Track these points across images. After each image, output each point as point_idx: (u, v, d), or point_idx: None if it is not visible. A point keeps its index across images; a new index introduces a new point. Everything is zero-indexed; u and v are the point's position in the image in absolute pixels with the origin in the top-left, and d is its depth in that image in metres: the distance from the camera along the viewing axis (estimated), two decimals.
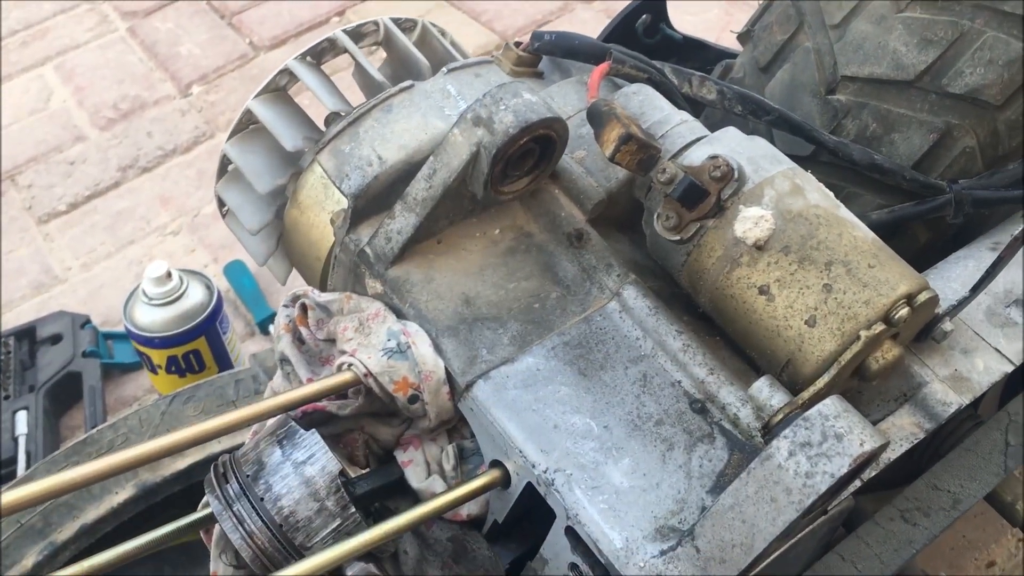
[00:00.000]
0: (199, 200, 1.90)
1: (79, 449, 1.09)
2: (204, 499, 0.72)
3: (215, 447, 1.10)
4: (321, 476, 0.61)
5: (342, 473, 0.63)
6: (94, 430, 1.09)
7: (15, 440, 1.43)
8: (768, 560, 0.63)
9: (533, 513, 0.67)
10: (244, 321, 1.66)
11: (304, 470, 0.61)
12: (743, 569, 0.57)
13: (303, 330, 0.73)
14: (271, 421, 0.66)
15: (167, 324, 1.28)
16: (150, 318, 1.29)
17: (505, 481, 0.66)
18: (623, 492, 0.63)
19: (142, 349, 1.32)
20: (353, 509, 0.61)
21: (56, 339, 1.59)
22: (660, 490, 0.63)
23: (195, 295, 1.30)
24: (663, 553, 0.60)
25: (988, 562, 1.26)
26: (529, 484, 0.64)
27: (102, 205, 1.92)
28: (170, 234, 1.84)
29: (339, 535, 0.61)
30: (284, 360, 0.73)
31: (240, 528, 0.60)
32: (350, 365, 0.67)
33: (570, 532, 0.63)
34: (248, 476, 0.61)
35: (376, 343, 0.67)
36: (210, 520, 0.69)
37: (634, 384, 0.68)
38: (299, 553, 0.60)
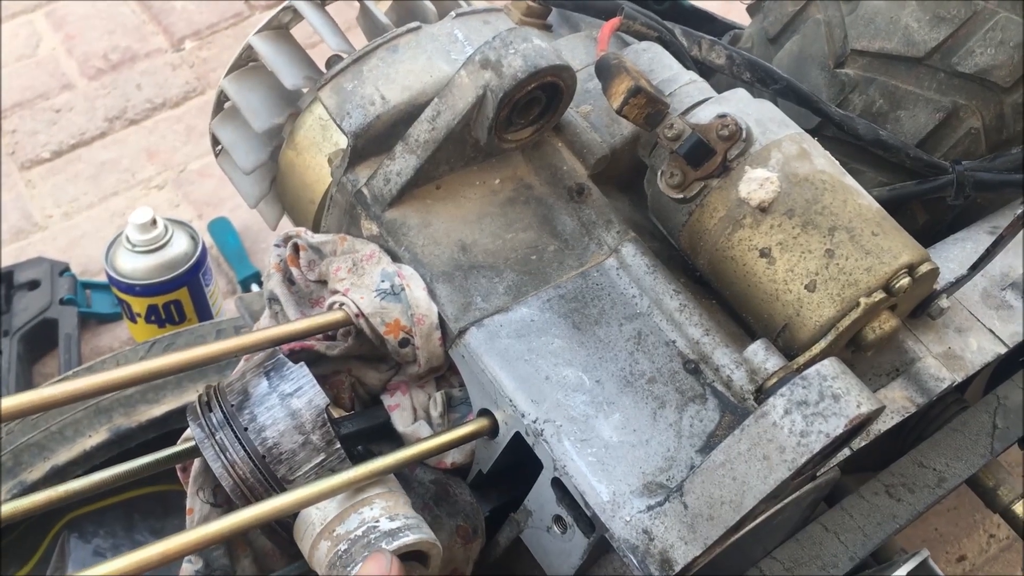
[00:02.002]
0: (186, 155, 1.87)
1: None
2: (185, 433, 0.70)
3: (193, 396, 1.09)
4: (308, 409, 0.59)
5: (327, 412, 0.62)
6: (70, 372, 1.07)
7: None
8: (754, 522, 0.63)
9: (518, 465, 0.66)
10: (227, 279, 1.64)
11: (291, 402, 0.59)
12: (731, 527, 0.57)
13: (294, 270, 0.72)
14: (258, 354, 0.64)
15: (149, 272, 1.26)
16: (132, 265, 1.27)
17: (493, 430, 0.65)
18: (612, 446, 0.62)
19: (122, 296, 1.30)
20: (338, 445, 0.60)
21: (33, 285, 1.56)
22: (649, 447, 0.62)
23: (179, 245, 1.28)
24: (650, 508, 0.59)
25: (959, 556, 1.27)
26: (517, 434, 0.63)
27: (87, 155, 1.88)
28: (155, 188, 1.81)
29: (322, 470, 0.60)
30: (273, 299, 0.72)
31: (222, 457, 0.59)
32: (342, 305, 0.66)
33: (556, 484, 0.62)
34: (232, 405, 0.60)
35: (369, 284, 0.66)
36: (189, 455, 0.68)
37: (628, 341, 0.67)
38: (281, 486, 0.59)
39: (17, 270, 1.58)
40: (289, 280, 0.72)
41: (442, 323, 0.66)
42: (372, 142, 0.71)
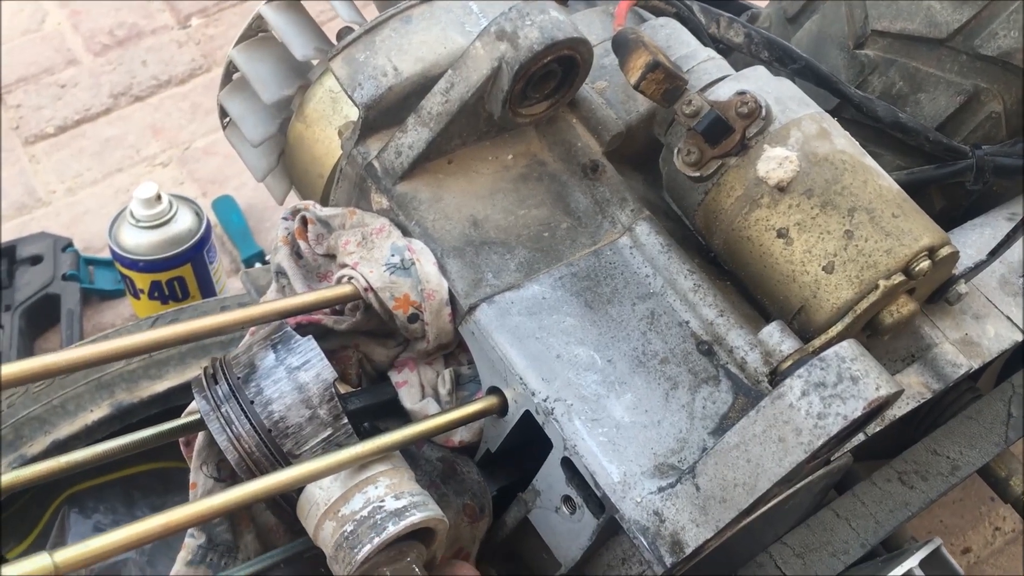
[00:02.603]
0: (191, 133, 1.86)
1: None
2: (189, 406, 0.69)
3: (196, 372, 1.08)
4: (315, 383, 0.58)
5: (334, 387, 0.60)
6: (72, 345, 1.06)
7: None
8: (767, 506, 0.62)
9: (526, 444, 0.65)
10: (230, 257, 1.63)
11: (298, 376, 0.58)
12: (744, 509, 0.56)
13: (302, 244, 0.71)
14: (265, 327, 0.63)
15: (153, 248, 1.25)
16: (136, 240, 1.25)
17: (502, 408, 0.64)
18: (624, 427, 0.61)
19: (125, 272, 1.29)
20: (345, 420, 0.59)
21: (36, 260, 1.55)
22: (661, 428, 0.61)
23: (184, 221, 1.27)
24: (661, 490, 0.58)
25: (964, 548, 1.26)
26: (527, 413, 0.62)
27: (91, 131, 1.87)
28: (159, 165, 1.80)
29: (329, 445, 0.59)
30: (280, 273, 0.71)
31: (227, 430, 0.58)
32: (350, 278, 0.65)
33: (566, 463, 0.61)
34: (239, 378, 0.59)
35: (379, 258, 0.65)
36: (193, 428, 0.67)
37: (641, 321, 0.66)
38: (287, 461, 0.58)
39: (20, 245, 1.57)
40: (297, 254, 0.71)
41: (452, 299, 0.65)
42: (384, 114, 0.70)
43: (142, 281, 1.28)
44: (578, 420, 0.60)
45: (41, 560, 0.46)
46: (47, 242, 1.57)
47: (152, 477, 1.12)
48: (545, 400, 0.61)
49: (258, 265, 1.47)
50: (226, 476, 0.68)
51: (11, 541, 1.05)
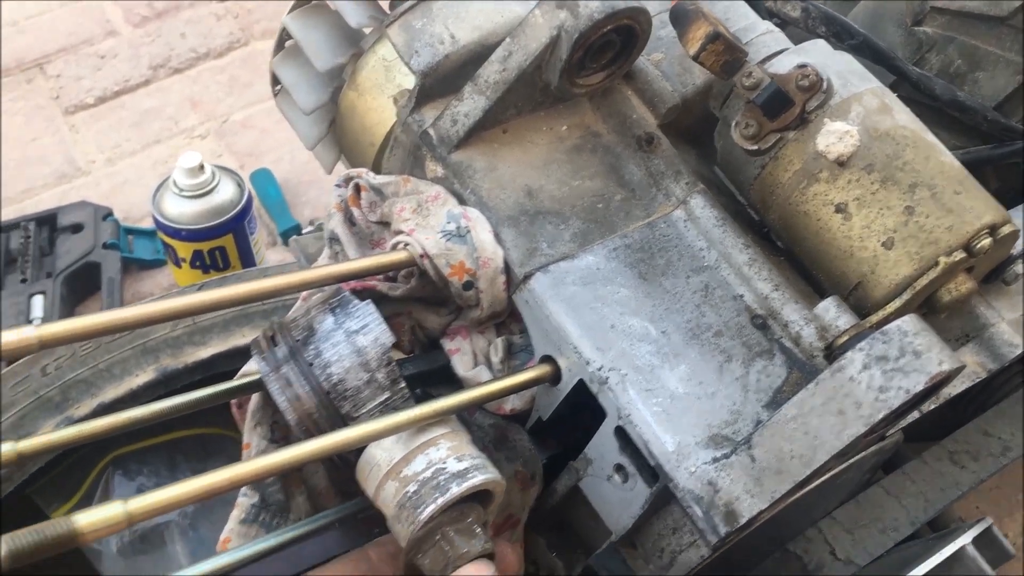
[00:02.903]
0: (229, 106, 1.87)
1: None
2: (243, 368, 0.70)
3: (239, 340, 1.09)
4: (373, 347, 0.59)
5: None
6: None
7: (30, 323, 1.41)
8: (819, 480, 0.61)
9: (578, 414, 0.65)
10: (267, 230, 1.64)
11: (356, 339, 0.59)
12: (799, 481, 0.56)
13: (355, 211, 0.71)
14: (321, 292, 0.64)
15: (196, 217, 1.26)
16: (179, 209, 1.27)
17: (555, 377, 0.64)
18: (678, 398, 0.61)
19: (168, 240, 1.30)
20: (403, 384, 0.59)
21: (77, 228, 1.56)
22: (715, 400, 0.61)
23: (226, 191, 1.28)
24: (716, 460, 0.58)
25: None
26: (580, 381, 0.63)
27: (130, 102, 1.88)
28: (197, 137, 1.81)
29: (386, 409, 0.59)
30: (334, 239, 0.71)
31: (287, 391, 0.58)
32: (406, 244, 0.65)
33: (620, 432, 0.61)
34: (297, 340, 0.59)
35: (435, 225, 0.65)
36: (247, 390, 0.67)
37: (695, 293, 0.66)
38: (344, 423, 0.58)
39: (61, 213, 1.58)
40: (350, 221, 0.72)
41: (507, 268, 0.65)
42: (440, 82, 0.70)
43: (184, 250, 1.29)
44: (632, 390, 0.61)
45: (114, 508, 0.47)
46: (88, 211, 1.58)
47: (194, 442, 1.13)
48: (599, 369, 0.61)
49: (307, 230, 1.48)
50: (279, 438, 0.69)
51: (56, 501, 1.07)
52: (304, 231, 1.58)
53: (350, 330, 0.59)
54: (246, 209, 1.29)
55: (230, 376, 0.75)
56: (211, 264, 1.29)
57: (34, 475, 1.04)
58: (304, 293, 0.70)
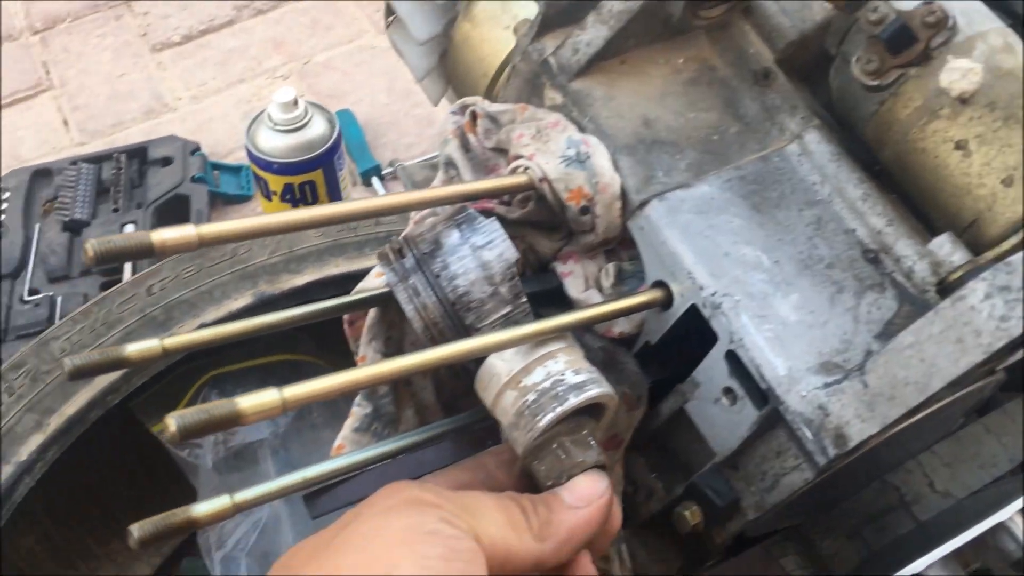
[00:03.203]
0: (311, 48, 1.89)
1: (202, 252, 1.12)
2: (359, 285, 0.73)
3: (332, 270, 1.13)
4: (498, 262, 0.61)
5: None
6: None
7: None
8: (927, 411, 0.63)
9: (684, 340, 0.67)
10: (348, 170, 1.67)
11: (482, 254, 0.61)
12: (911, 408, 0.57)
13: (471, 137, 0.73)
14: (442, 210, 0.66)
15: (288, 151, 1.29)
16: (272, 143, 1.30)
17: (666, 302, 0.66)
18: (790, 325, 0.62)
19: (260, 173, 1.34)
20: (524, 299, 0.61)
21: (166, 161, 1.61)
22: (827, 328, 0.63)
23: (318, 127, 1.31)
24: (827, 385, 0.60)
25: None
26: (692, 307, 0.64)
27: (215, 40, 1.92)
28: (280, 77, 1.84)
29: (507, 322, 0.61)
30: (449, 164, 0.73)
31: (414, 300, 0.61)
32: (526, 168, 0.67)
33: (731, 356, 0.63)
34: (425, 254, 0.62)
35: (555, 150, 0.67)
36: (362, 305, 0.70)
37: (807, 226, 0.67)
38: (467, 334, 0.61)
39: (151, 147, 1.64)
40: (465, 147, 0.74)
41: (623, 195, 0.67)
42: (561, 13, 0.71)
43: (275, 183, 1.33)
44: (745, 315, 0.62)
45: (270, 395, 0.50)
46: (177, 145, 1.63)
47: (286, 367, 1.18)
48: (713, 295, 0.63)
49: (386, 171, 1.50)
50: (392, 352, 0.72)
51: (157, 416, 1.12)
52: (383, 172, 1.61)
53: (476, 245, 0.62)
54: (336, 145, 1.32)
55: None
56: (300, 198, 1.32)
57: (136, 391, 1.09)
58: (414, 215, 0.72)
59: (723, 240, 0.65)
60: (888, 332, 0.63)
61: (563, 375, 0.59)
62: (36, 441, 0.98)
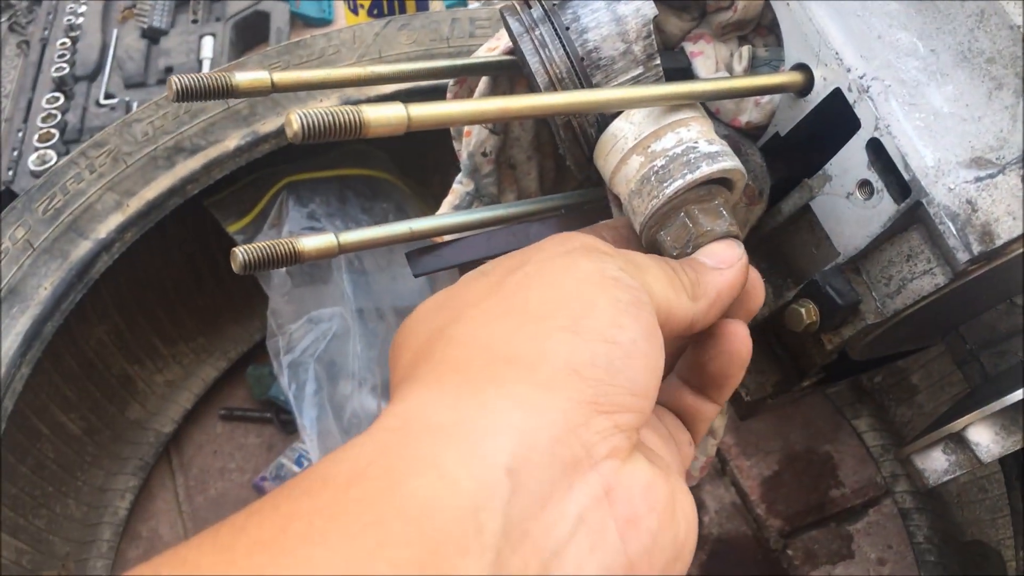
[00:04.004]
0: None
1: (290, 49, 1.08)
2: (476, 52, 0.69)
3: (421, 82, 1.08)
4: (634, 18, 0.56)
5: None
6: (307, 35, 1.07)
7: (199, 62, 1.44)
8: None
9: (815, 136, 0.62)
10: None
11: (617, 7, 0.57)
12: None
13: None
14: None
15: None
16: None
17: (806, 86, 0.61)
18: (942, 116, 0.57)
19: None
20: (658, 61, 0.57)
21: None
22: (981, 124, 0.58)
23: None
24: (978, 180, 0.55)
25: None
26: (835, 91, 0.59)
27: None
28: None
29: (637, 85, 0.57)
30: None
31: (540, 52, 0.57)
32: None
33: (873, 145, 0.58)
34: (555, 4, 0.57)
35: None
36: (474, 70, 0.66)
37: (969, 17, 0.61)
38: None
39: None
40: None
41: None
42: None
43: None
44: (895, 101, 0.57)
45: (396, 109, 0.47)
46: None
47: (362, 182, 1.15)
48: (862, 77, 0.58)
49: None
50: (500, 129, 0.69)
51: (232, 216, 1.11)
52: None
53: None
54: None
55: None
56: (388, 11, 1.27)
57: (212, 187, 1.08)
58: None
59: (877, 22, 0.60)
60: None
61: (696, 143, 0.55)
62: (115, 221, 0.97)
